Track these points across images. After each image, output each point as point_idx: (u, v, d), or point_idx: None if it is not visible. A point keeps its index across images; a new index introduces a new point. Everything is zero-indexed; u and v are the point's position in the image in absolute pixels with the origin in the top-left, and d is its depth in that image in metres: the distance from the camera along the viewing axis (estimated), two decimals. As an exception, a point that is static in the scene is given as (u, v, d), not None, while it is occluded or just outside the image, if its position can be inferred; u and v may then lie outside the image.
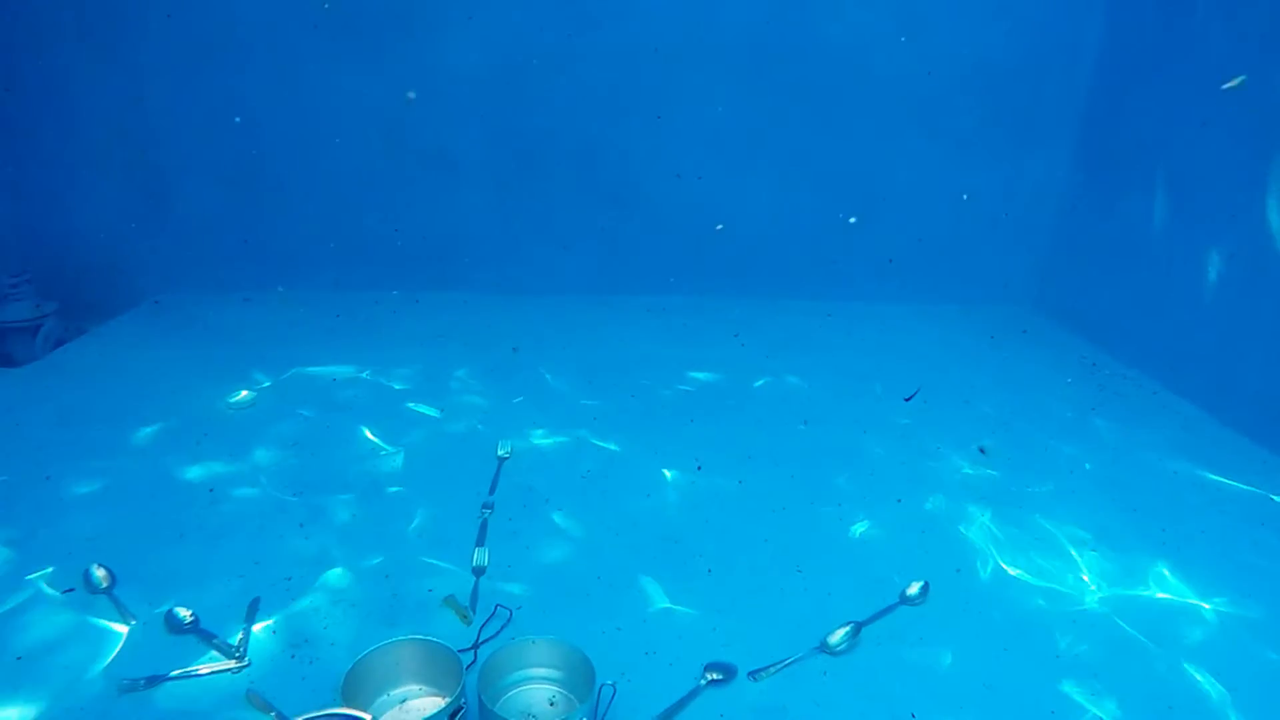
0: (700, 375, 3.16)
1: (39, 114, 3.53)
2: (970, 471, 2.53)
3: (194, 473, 2.37)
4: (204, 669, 1.66)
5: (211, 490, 2.29)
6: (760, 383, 3.12)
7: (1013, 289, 4.03)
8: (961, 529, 2.24)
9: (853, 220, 3.51)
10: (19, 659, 1.66)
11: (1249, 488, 2.50)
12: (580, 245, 3.91)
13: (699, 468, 2.40)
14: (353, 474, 2.40)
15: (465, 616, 1.83)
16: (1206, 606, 1.97)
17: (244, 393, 2.84)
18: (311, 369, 3.08)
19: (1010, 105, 3.73)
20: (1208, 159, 3.06)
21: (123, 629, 1.76)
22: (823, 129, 3.74)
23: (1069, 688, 1.70)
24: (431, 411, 2.80)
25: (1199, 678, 1.75)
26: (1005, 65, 3.65)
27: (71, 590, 1.86)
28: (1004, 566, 2.09)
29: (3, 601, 1.83)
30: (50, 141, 3.57)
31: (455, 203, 3.80)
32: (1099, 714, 1.64)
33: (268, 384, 2.95)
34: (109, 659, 1.68)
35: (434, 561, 2.02)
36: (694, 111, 3.70)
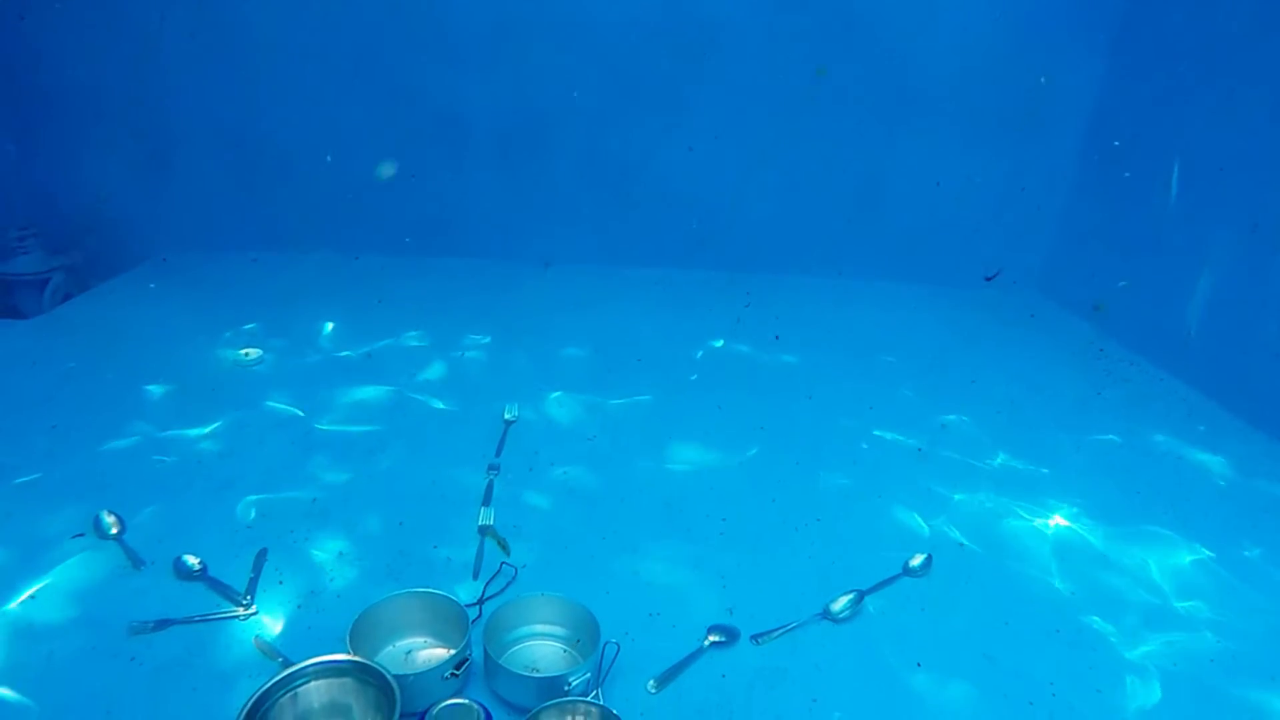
0: (707, 346, 3.16)
1: (49, 70, 3.50)
2: (975, 451, 2.54)
3: (201, 426, 2.38)
4: (211, 615, 1.67)
5: (218, 443, 2.30)
6: (766, 356, 3.12)
7: (1021, 272, 4.02)
8: (966, 505, 2.25)
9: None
10: (31, 597, 1.68)
11: (1253, 475, 2.50)
12: (590, 216, 3.90)
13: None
14: (359, 432, 2.41)
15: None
16: (1207, 593, 1.98)
17: (249, 351, 2.84)
18: (319, 329, 3.08)
19: (1023, 87, 3.70)
20: (1218, 146, 3.04)
21: (132, 574, 1.78)
22: (836, 107, 3.72)
23: (1069, 663, 1.71)
24: (439, 372, 2.80)
25: (1198, 660, 1.76)
26: (1019, 47, 3.62)
27: (81, 535, 1.87)
28: (1006, 543, 2.10)
29: (13, 544, 1.84)
30: (60, 98, 3.55)
31: (465, 169, 3.78)
32: (1099, 690, 1.65)
33: (274, 342, 2.95)
34: (118, 602, 1.69)
35: (440, 520, 2.03)
36: (708, 87, 3.67)
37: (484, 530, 1.92)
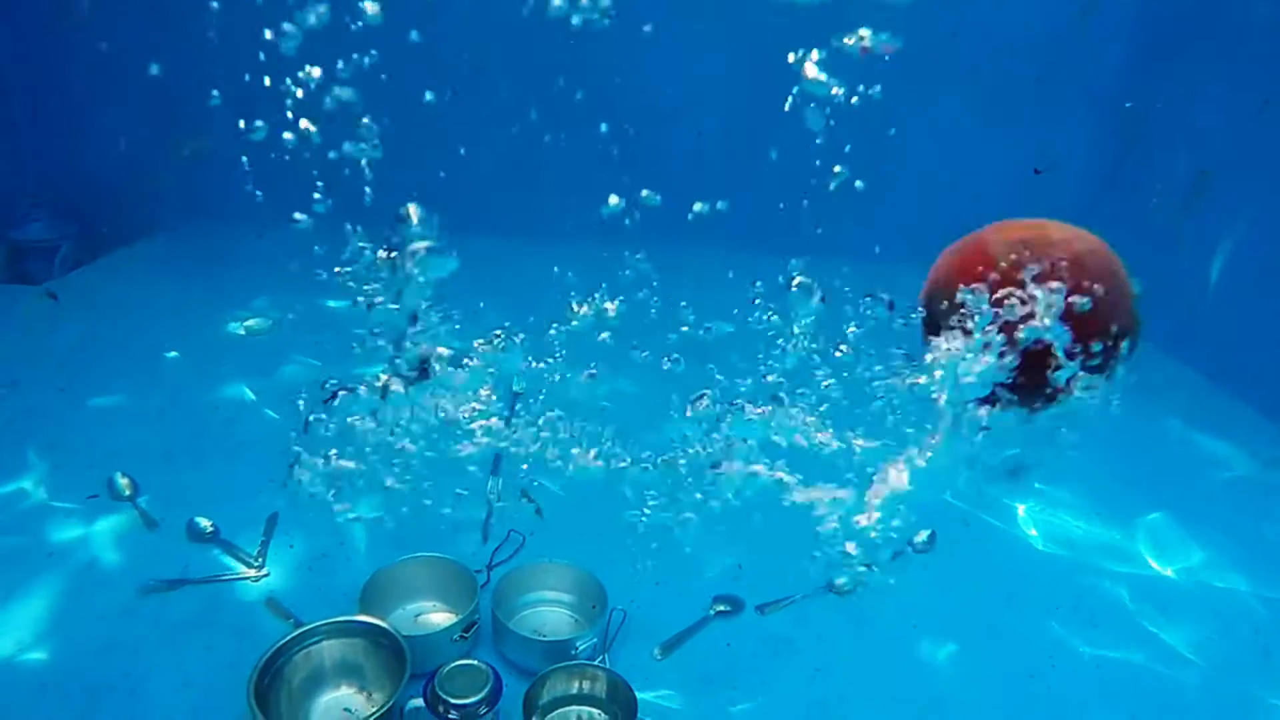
0: (715, 325, 3.16)
1: (60, 40, 3.49)
2: (979, 433, 2.54)
3: (210, 393, 2.40)
4: (224, 576, 1.69)
5: (228, 410, 2.32)
6: (773, 334, 3.12)
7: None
8: (970, 484, 2.26)
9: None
10: (50, 555, 1.71)
11: (1254, 459, 2.51)
12: (599, 195, 3.88)
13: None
14: (368, 401, 2.42)
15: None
16: (1206, 571, 2.00)
17: (256, 321, 2.85)
18: (327, 301, 3.09)
19: (1039, 78, 3.67)
20: (1228, 136, 3.03)
21: (146, 535, 1.80)
22: (849, 90, 3.69)
23: (1069, 638, 1.73)
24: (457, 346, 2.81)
25: (1194, 634, 1.78)
26: (1037, 38, 3.59)
27: (95, 497, 1.89)
28: (1009, 523, 2.12)
29: (30, 503, 1.87)
30: (71, 68, 3.54)
31: (475, 146, 3.77)
32: (1098, 665, 1.67)
33: (283, 314, 2.96)
34: (132, 561, 1.72)
35: (449, 489, 2.04)
36: (722, 68, 3.65)
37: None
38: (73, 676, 1.45)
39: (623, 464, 2.03)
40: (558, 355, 2.58)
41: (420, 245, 1.47)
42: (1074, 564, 1.98)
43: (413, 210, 1.46)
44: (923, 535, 1.98)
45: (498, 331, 1.87)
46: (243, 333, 2.80)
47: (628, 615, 1.63)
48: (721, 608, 1.72)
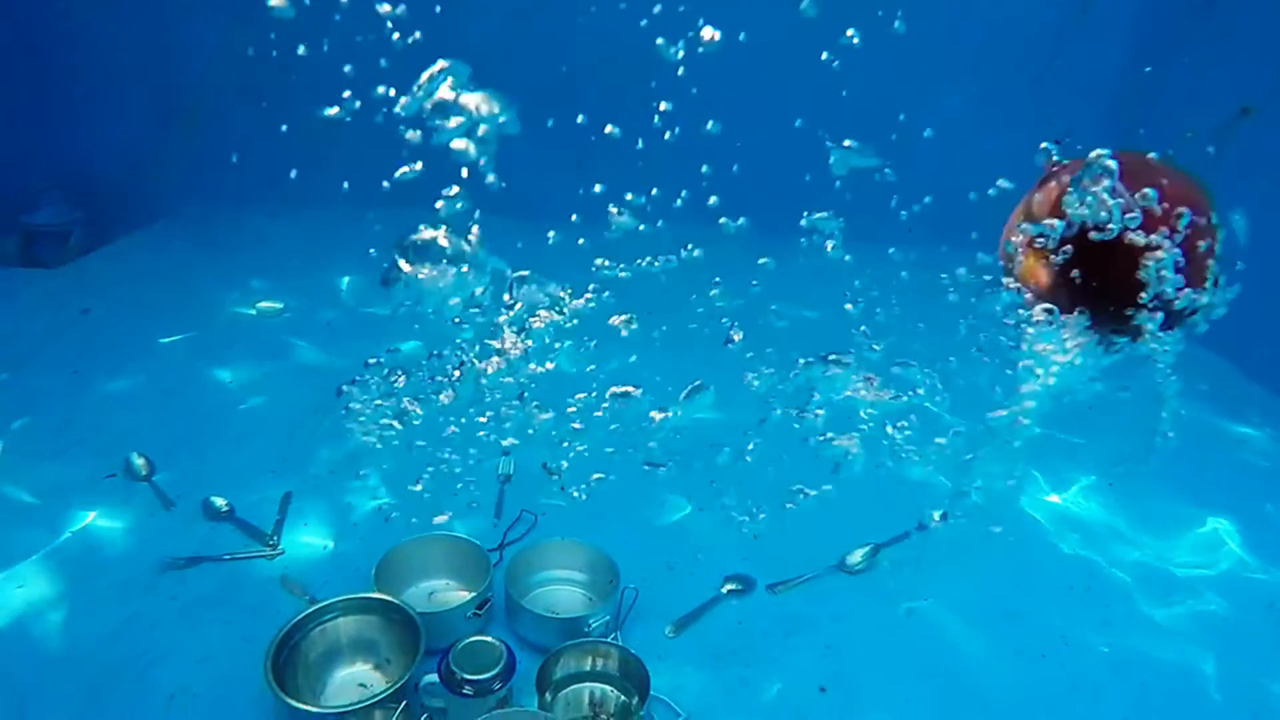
0: (723, 305, 3.15)
1: (67, 25, 3.48)
2: (993, 413, 2.53)
3: (222, 375, 2.41)
4: (240, 554, 1.71)
5: (240, 391, 2.33)
6: (782, 318, 3.11)
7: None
8: (982, 465, 2.25)
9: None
10: (69, 534, 1.73)
11: (1273, 442, 2.49)
12: (604, 175, 3.86)
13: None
14: (377, 382, 2.43)
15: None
16: (1222, 553, 1.99)
17: (267, 303, 2.86)
18: (336, 281, 3.09)
19: (1045, 64, 3.63)
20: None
21: (163, 514, 1.82)
22: (855, 77, 3.66)
23: (1080, 619, 1.73)
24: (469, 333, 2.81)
25: (1208, 615, 1.78)
26: (1041, 25, 3.55)
27: (113, 476, 1.91)
28: (1021, 504, 2.11)
29: (46, 484, 1.89)
30: (78, 53, 3.53)
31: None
32: (1110, 645, 1.67)
33: (292, 295, 2.96)
34: (151, 539, 1.74)
35: (461, 467, 2.05)
36: (727, 53, 3.61)
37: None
38: (93, 651, 1.47)
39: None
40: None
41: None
42: (1088, 545, 1.97)
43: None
44: (935, 516, 1.98)
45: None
46: (254, 313, 2.81)
47: (640, 594, 1.63)
48: (733, 586, 1.72)
